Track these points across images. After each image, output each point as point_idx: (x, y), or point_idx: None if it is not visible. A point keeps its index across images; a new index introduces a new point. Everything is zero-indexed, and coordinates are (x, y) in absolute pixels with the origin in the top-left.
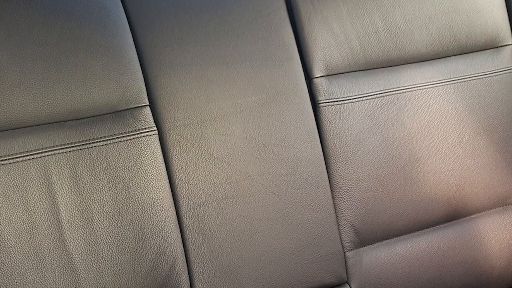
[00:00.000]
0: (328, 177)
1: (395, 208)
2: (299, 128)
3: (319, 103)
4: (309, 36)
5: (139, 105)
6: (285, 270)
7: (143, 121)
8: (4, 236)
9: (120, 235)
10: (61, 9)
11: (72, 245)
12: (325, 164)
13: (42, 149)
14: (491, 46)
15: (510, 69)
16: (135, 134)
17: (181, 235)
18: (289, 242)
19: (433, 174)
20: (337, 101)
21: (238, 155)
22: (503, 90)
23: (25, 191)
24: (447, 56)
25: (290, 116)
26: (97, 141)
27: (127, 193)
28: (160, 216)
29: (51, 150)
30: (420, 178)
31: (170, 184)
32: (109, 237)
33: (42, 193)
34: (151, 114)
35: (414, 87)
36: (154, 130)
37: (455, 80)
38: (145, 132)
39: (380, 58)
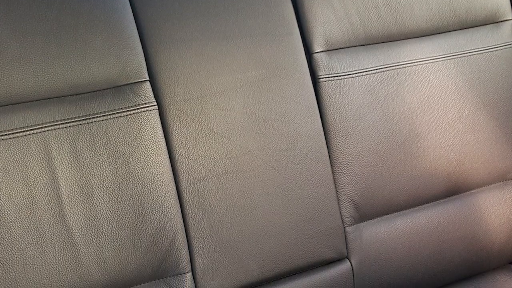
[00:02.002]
0: (328, 152)
1: (395, 183)
2: (299, 103)
3: (319, 78)
4: (309, 11)
5: (139, 80)
6: (285, 245)
7: (143, 96)
8: (4, 212)
9: (120, 210)
10: None
11: (72, 220)
12: (325, 139)
13: (42, 124)
14: (491, 21)
15: (510, 44)
16: (135, 109)
17: (181, 210)
18: (289, 217)
19: (433, 149)
20: (337, 76)
21: (238, 130)
22: (503, 65)
23: (25, 166)
24: (447, 31)
25: (290, 91)
26: (97, 116)
27: (127, 168)
28: (160, 191)
29: (51, 125)
30: (420, 153)
31: (170, 159)
32: (109, 212)
33: (42, 168)
34: (151, 89)
35: (414, 62)
36: (154, 105)
37: (455, 55)
38: (145, 107)
39: (380, 33)
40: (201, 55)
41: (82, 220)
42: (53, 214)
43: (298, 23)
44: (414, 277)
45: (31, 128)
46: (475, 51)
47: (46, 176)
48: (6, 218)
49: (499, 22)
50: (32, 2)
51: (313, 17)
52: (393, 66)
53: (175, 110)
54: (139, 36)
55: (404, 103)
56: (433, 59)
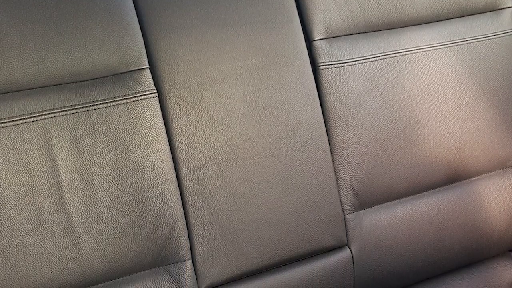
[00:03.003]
0: (328, 140)
1: (395, 170)
2: (299, 91)
3: (319, 66)
4: None
5: (139, 67)
6: (285, 233)
7: (143, 84)
8: (4, 199)
9: (120, 198)
10: None
11: (72, 207)
12: (325, 126)
13: (42, 111)
14: (491, 8)
15: (510, 31)
16: (135, 97)
17: (181, 197)
18: (289, 204)
19: (433, 136)
20: (337, 63)
21: (238, 118)
22: (503, 53)
23: (25, 154)
24: (447, 19)
25: (290, 79)
26: (97, 104)
27: (127, 155)
28: (160, 178)
29: (51, 113)
30: (420, 141)
31: (170, 147)
32: (109, 199)
33: (42, 156)
34: (151, 77)
35: (414, 50)
36: (154, 92)
37: (455, 42)
38: (145, 94)
39: (380, 20)
40: (201, 43)
41: (82, 208)
42: (53, 202)
43: (298, 11)
44: (414, 265)
45: (31, 115)
46: (475, 39)
47: (46, 164)
48: (6, 206)
49: (499, 9)
50: None
51: (313, 4)
52: (393, 53)
53: (175, 98)
54: (139, 24)
55: (404, 91)
56: (433, 46)
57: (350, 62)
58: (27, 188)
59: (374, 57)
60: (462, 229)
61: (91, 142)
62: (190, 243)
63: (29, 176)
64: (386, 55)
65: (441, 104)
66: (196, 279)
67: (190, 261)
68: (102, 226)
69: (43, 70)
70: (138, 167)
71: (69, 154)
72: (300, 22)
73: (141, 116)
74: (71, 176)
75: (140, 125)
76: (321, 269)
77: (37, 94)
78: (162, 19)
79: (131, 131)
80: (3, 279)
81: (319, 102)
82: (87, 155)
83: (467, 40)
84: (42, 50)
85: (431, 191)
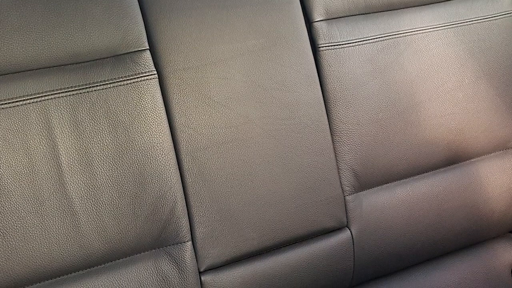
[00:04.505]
0: (328, 121)
1: (395, 152)
2: (299, 72)
3: (319, 47)
4: None
5: (139, 49)
6: (285, 214)
7: (143, 65)
8: (4, 180)
9: (120, 179)
10: None
11: (72, 189)
12: (325, 108)
13: (42, 93)
14: None
15: (510, 13)
16: (135, 78)
17: (181, 179)
18: (289, 186)
19: (433, 118)
20: (337, 45)
21: (238, 99)
22: (503, 34)
23: (25, 135)
24: (447, 0)
25: (290, 60)
26: (97, 85)
27: (127, 137)
28: (160, 160)
29: (51, 94)
30: (420, 122)
31: (170, 128)
32: (109, 181)
33: (42, 137)
34: (151, 58)
35: (414, 31)
36: (154, 74)
37: (455, 24)
38: (145, 76)
39: (380, 1)
40: (201, 24)
41: (82, 189)
42: (53, 183)
43: None
44: (414, 246)
45: (31, 97)
46: (475, 20)
47: (46, 145)
48: (6, 187)
49: None
50: None
51: None
52: (393, 35)
53: (175, 79)
54: (139, 5)
55: (404, 72)
56: (433, 28)
57: (350, 43)
58: (27, 169)
59: (374, 39)
60: (462, 210)
61: (91, 124)
62: (190, 225)
63: (29, 157)
64: (386, 36)
65: (441, 86)
66: (196, 260)
67: (190, 242)
68: (102, 208)
69: (43, 51)
70: (138, 149)
71: (69, 135)
72: (300, 3)
73: (141, 98)
74: (71, 158)
75: (140, 107)
76: (321, 251)
77: (37, 76)
78: (162, 0)
79: (131, 113)
80: (3, 260)
81: (319, 83)
82: (87, 136)
83: (467, 22)
84: (42, 31)
85: (431, 172)
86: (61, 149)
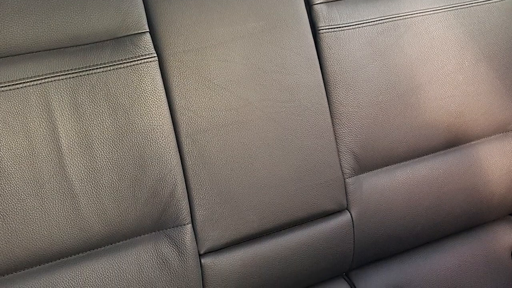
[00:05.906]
0: (328, 104)
1: (395, 134)
2: (299, 55)
3: (319, 30)
4: None
5: (139, 31)
6: (285, 197)
7: (143, 48)
8: (4, 163)
9: (120, 162)
10: None
11: (72, 171)
12: (325, 90)
13: (42, 75)
14: None
15: None
16: (135, 61)
17: (181, 161)
18: (289, 168)
19: (433, 100)
20: (337, 27)
21: (238, 82)
22: (503, 17)
23: (25, 118)
24: None
25: (290, 43)
26: (97, 68)
27: (127, 119)
28: (160, 142)
29: (51, 77)
30: (420, 105)
31: (170, 111)
32: (109, 163)
33: (42, 120)
34: (151, 41)
35: (414, 14)
36: (154, 56)
37: (455, 6)
38: (145, 58)
39: None
40: (201, 6)
41: (82, 172)
42: (53, 166)
43: None
44: (414, 228)
45: (31, 79)
46: (475, 3)
47: (46, 128)
48: (6, 170)
49: None
50: None
51: None
52: (393, 17)
53: (175, 62)
54: None
55: (404, 55)
56: (433, 10)
57: (350, 26)
58: (27, 152)
59: (374, 21)
60: (462, 193)
61: (91, 106)
62: (190, 207)
63: (29, 140)
64: (386, 19)
65: (441, 68)
66: (196, 242)
67: (190, 225)
68: (102, 190)
69: (43, 34)
70: (138, 131)
71: (69, 118)
72: None
73: (141, 80)
74: (71, 140)
75: (140, 89)
76: (321, 233)
77: (37, 58)
78: None
79: (131, 95)
80: (3, 243)
81: (319, 66)
82: (87, 119)
83: (467, 4)
84: (42, 13)
85: (431, 155)
86: (61, 132)
